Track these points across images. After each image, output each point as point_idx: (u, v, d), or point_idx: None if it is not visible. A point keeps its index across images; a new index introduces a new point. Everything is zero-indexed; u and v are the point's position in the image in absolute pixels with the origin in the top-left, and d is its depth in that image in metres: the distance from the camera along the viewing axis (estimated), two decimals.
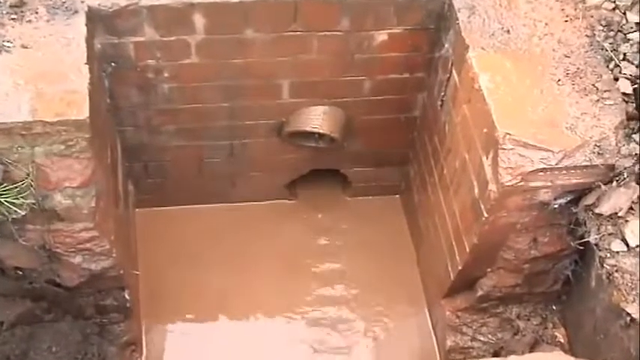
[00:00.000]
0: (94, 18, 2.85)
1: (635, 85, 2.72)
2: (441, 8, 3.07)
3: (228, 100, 3.41)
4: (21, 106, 2.48)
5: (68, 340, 3.16)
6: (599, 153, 2.58)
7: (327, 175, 4.06)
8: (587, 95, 2.71)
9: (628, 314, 2.54)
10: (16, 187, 2.56)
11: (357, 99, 3.49)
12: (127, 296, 3.23)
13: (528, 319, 3.36)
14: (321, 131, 3.51)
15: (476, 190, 2.86)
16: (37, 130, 2.48)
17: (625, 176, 2.58)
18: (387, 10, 3.07)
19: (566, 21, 2.91)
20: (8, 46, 2.64)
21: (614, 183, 2.61)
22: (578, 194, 2.71)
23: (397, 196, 4.19)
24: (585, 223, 2.70)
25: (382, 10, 3.07)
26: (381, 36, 3.18)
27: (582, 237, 2.76)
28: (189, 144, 3.63)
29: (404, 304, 3.82)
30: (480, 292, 3.26)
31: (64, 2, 2.77)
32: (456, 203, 3.15)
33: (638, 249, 2.53)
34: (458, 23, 2.92)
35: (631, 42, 2.83)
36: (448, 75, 3.10)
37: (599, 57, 2.81)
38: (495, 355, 3.41)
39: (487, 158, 2.73)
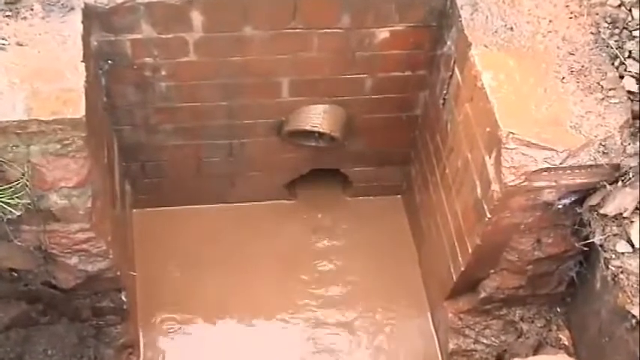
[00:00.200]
0: (90, 15, 2.85)
1: None
2: (443, 5, 3.06)
3: (227, 99, 3.41)
4: (16, 105, 2.47)
5: (64, 343, 3.16)
6: (604, 152, 2.58)
7: (327, 174, 4.06)
8: (591, 93, 2.70)
9: (633, 316, 2.54)
10: (11, 187, 2.56)
11: (358, 97, 3.48)
12: (123, 298, 3.23)
13: (532, 322, 3.36)
14: (321, 130, 3.51)
15: (478, 190, 2.85)
16: (32, 129, 2.48)
17: (630, 176, 2.58)
18: (388, 7, 3.07)
19: (571, 18, 2.91)
20: (3, 44, 2.64)
21: (620, 183, 2.61)
22: (583, 194, 2.71)
23: (398, 196, 4.19)
24: (590, 224, 2.70)
25: (383, 7, 3.07)
26: (383, 33, 3.18)
27: (587, 238, 2.76)
28: (187, 143, 3.63)
29: (405, 306, 3.82)
30: (482, 294, 3.26)
31: None
32: (458, 203, 3.14)
33: None
34: (460, 20, 2.91)
35: (637, 39, 2.82)
36: (450, 73, 3.10)
37: (604, 54, 2.80)
38: (498, 358, 3.41)
39: (490, 158, 2.72)
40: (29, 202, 2.61)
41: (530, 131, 2.59)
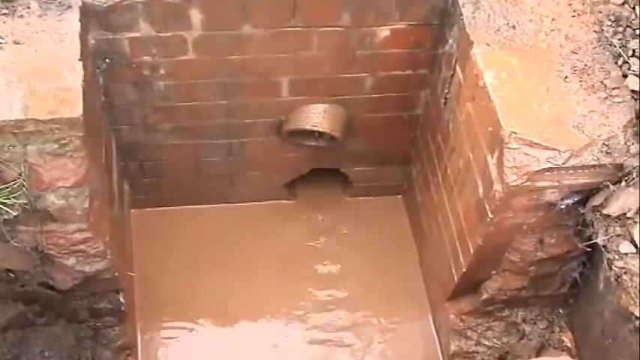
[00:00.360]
0: (88, 13, 2.84)
1: None
2: (445, 3, 3.06)
3: (226, 98, 3.41)
4: (13, 104, 2.47)
5: (61, 344, 3.16)
6: (607, 152, 2.58)
7: (328, 174, 4.06)
8: (595, 93, 2.70)
9: (637, 318, 2.54)
10: (8, 187, 2.56)
11: (359, 96, 3.48)
12: (121, 299, 3.23)
13: (534, 323, 3.36)
14: (321, 130, 3.50)
15: (480, 190, 2.85)
16: (29, 129, 2.47)
17: (634, 176, 2.58)
18: (389, 5, 3.07)
19: (574, 16, 2.91)
20: (0, 43, 2.63)
21: (623, 183, 2.60)
22: (586, 194, 2.71)
23: (399, 196, 4.19)
24: (593, 224, 2.70)
25: (384, 5, 3.07)
26: (383, 32, 3.17)
27: (590, 238, 2.76)
28: (186, 143, 3.63)
29: (406, 308, 3.82)
30: (484, 295, 3.26)
31: None
32: (459, 204, 3.14)
33: None
34: (462, 19, 2.91)
35: None
36: (452, 72, 3.10)
37: (607, 53, 2.80)
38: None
39: (492, 157, 2.72)
40: (26, 202, 2.61)
41: (532, 131, 2.59)
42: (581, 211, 2.75)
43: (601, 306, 2.92)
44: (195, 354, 3.62)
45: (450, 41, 3.09)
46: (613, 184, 2.61)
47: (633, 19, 2.86)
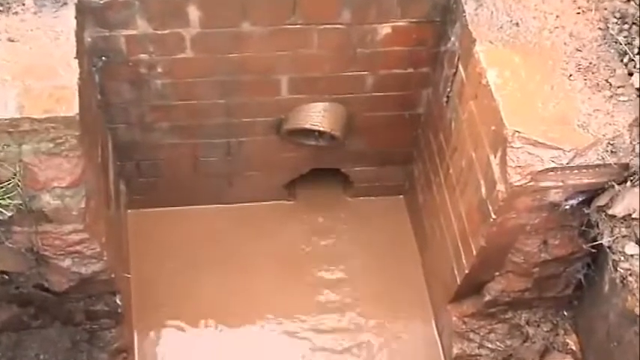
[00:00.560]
0: (83, 10, 2.84)
1: None
2: (447, 0, 3.06)
3: (225, 97, 3.41)
4: (7, 103, 2.47)
5: (57, 348, 3.15)
6: (612, 151, 2.57)
7: (328, 174, 4.05)
8: (599, 91, 2.70)
9: None
10: (2, 188, 2.56)
11: (359, 95, 3.48)
12: (118, 301, 3.22)
13: (538, 326, 3.36)
14: (321, 129, 3.50)
15: (483, 191, 2.85)
16: (24, 128, 2.47)
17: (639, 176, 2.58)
18: (390, 2, 3.06)
19: (579, 13, 2.91)
20: None
21: (628, 183, 2.60)
22: (591, 195, 2.71)
23: (401, 196, 4.19)
24: (598, 225, 2.70)
25: (385, 2, 3.06)
26: (385, 29, 3.17)
27: (595, 239, 2.76)
28: (183, 142, 3.62)
29: (408, 310, 3.82)
30: (487, 297, 3.26)
31: None
32: (462, 204, 3.14)
33: None
34: (464, 16, 2.91)
35: None
36: (454, 70, 3.10)
37: (612, 51, 2.80)
38: None
39: (495, 157, 2.72)
40: (21, 202, 2.60)
41: (536, 130, 2.58)
42: (586, 211, 2.75)
43: (606, 308, 2.92)
44: (193, 356, 3.62)
45: (453, 39, 3.09)
46: (618, 184, 2.61)
47: (639, 16, 2.86)
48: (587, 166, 2.58)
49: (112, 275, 3.06)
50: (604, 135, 2.59)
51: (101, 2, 2.86)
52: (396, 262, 3.94)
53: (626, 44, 2.80)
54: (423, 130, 3.68)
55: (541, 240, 2.94)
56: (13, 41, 2.64)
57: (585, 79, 2.73)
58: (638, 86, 2.70)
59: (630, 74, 2.74)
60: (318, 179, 4.06)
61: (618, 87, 2.70)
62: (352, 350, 3.70)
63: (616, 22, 2.85)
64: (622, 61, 2.77)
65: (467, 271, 3.15)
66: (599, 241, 2.69)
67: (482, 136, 2.83)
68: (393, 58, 3.32)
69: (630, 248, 2.56)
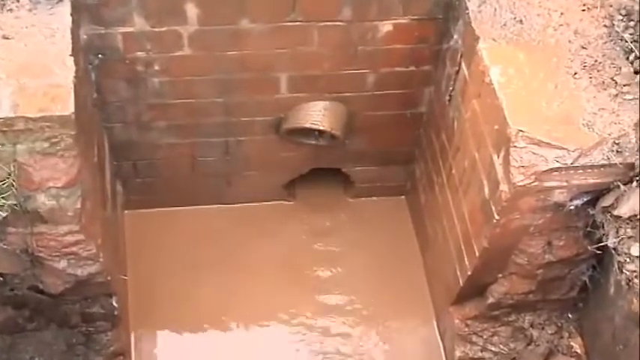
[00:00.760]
0: (79, 7, 2.84)
1: None
2: None
3: (223, 95, 3.41)
4: (2, 101, 2.46)
5: (52, 351, 3.15)
6: (617, 151, 2.57)
7: (328, 174, 4.05)
8: (605, 89, 2.69)
9: None
10: None
11: (360, 94, 3.48)
12: (114, 303, 3.22)
13: (542, 328, 3.36)
14: (321, 128, 3.50)
15: (486, 191, 2.85)
16: (19, 127, 2.47)
17: None
18: None
19: (584, 10, 2.90)
20: None
21: (634, 183, 2.60)
22: (596, 195, 2.70)
23: (402, 196, 4.19)
24: (603, 226, 2.69)
25: None
26: (386, 26, 3.17)
27: (600, 240, 2.75)
28: (181, 141, 3.62)
29: (409, 312, 3.82)
30: (490, 299, 3.26)
31: None
32: (465, 204, 3.14)
33: None
34: (467, 13, 2.91)
35: None
36: (457, 68, 3.10)
37: (618, 48, 2.80)
38: None
39: (498, 157, 2.72)
40: (15, 203, 2.60)
41: (540, 129, 2.58)
42: (591, 212, 2.75)
43: (612, 311, 2.92)
44: (191, 359, 3.62)
45: (455, 36, 3.09)
46: (624, 185, 2.61)
47: None
48: (592, 166, 2.58)
49: (109, 277, 3.06)
50: (609, 134, 2.59)
51: None
52: (397, 263, 3.94)
53: (632, 42, 2.80)
54: (425, 130, 3.68)
55: (545, 241, 2.93)
56: (7, 39, 2.64)
57: (590, 78, 2.73)
58: None
59: (636, 72, 2.74)
60: (318, 179, 4.06)
61: (624, 85, 2.69)
62: (353, 353, 3.69)
63: (622, 19, 2.85)
64: (628, 58, 2.77)
65: (469, 273, 3.15)
66: (605, 243, 2.69)
67: (486, 136, 2.82)
68: (395, 56, 3.31)
69: (636, 249, 2.56)
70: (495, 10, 2.90)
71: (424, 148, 3.72)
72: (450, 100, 3.24)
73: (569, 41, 2.82)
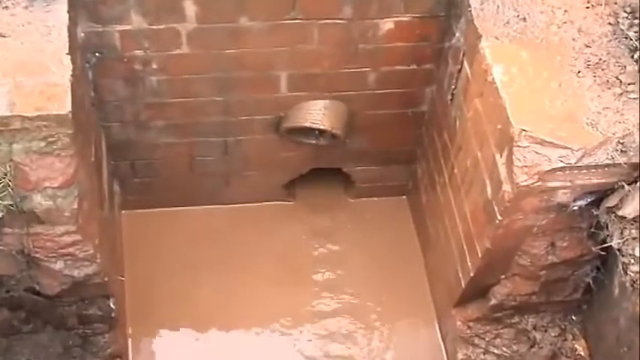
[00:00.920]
0: (76, 4, 2.84)
1: None
2: None
3: (222, 94, 3.41)
4: None
5: (48, 353, 3.15)
6: (622, 151, 2.57)
7: (328, 174, 4.05)
8: (609, 88, 2.69)
9: None
10: None
11: (361, 92, 3.48)
12: (112, 305, 3.22)
13: (546, 330, 3.36)
14: (321, 127, 3.50)
15: (489, 191, 2.85)
16: (15, 126, 2.47)
17: None
18: None
19: (588, 8, 2.90)
20: None
21: (639, 183, 2.59)
22: (600, 195, 2.70)
23: (404, 196, 4.19)
24: (607, 227, 2.70)
25: None
26: (387, 24, 3.17)
27: (604, 241, 2.76)
28: (179, 141, 3.62)
29: (411, 314, 3.82)
30: (493, 301, 3.26)
31: None
32: (467, 205, 3.14)
33: None
34: (470, 10, 2.91)
35: None
36: (459, 66, 3.10)
37: (622, 47, 2.80)
38: None
39: (501, 156, 2.72)
40: (11, 203, 2.60)
41: (543, 128, 2.58)
42: (595, 212, 2.75)
43: (616, 312, 2.92)
44: None
45: (457, 34, 3.09)
46: (628, 185, 2.61)
47: None
48: (596, 166, 2.58)
49: (106, 278, 3.06)
50: (614, 133, 2.59)
51: None
52: (398, 264, 3.94)
53: (636, 40, 2.79)
54: (427, 129, 3.67)
55: (548, 242, 2.93)
56: (3, 36, 2.64)
57: (594, 76, 2.72)
58: None
59: None
60: (319, 179, 4.06)
61: (629, 84, 2.69)
62: (353, 354, 3.69)
63: (626, 17, 2.85)
64: (633, 57, 2.77)
65: (472, 274, 3.15)
66: (609, 243, 2.69)
67: (488, 135, 2.82)
68: (396, 55, 3.31)
69: None
70: (498, 7, 2.90)
71: (426, 148, 3.72)
72: (452, 99, 3.24)
73: (573, 39, 2.82)
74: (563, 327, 3.36)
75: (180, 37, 3.10)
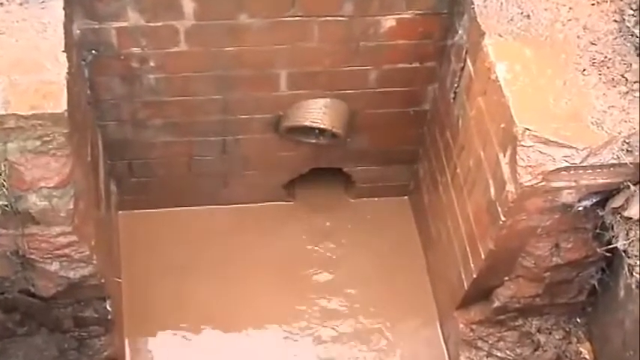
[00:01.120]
0: (72, 1, 2.84)
1: None
2: None
3: (221, 92, 3.41)
4: None
5: (43, 356, 3.15)
6: (628, 150, 2.57)
7: (329, 174, 4.05)
8: (615, 87, 2.69)
9: None
10: None
11: (362, 91, 3.48)
12: (108, 307, 3.22)
13: (550, 333, 3.36)
14: (322, 126, 3.50)
15: (492, 191, 2.85)
16: (9, 125, 2.47)
17: None
18: None
19: (593, 4, 2.90)
20: None
21: None
22: (605, 195, 2.70)
23: (405, 197, 4.19)
24: (613, 228, 2.70)
25: None
26: (389, 22, 3.17)
27: (609, 243, 2.76)
28: (177, 140, 3.62)
29: (413, 316, 3.82)
30: (496, 303, 3.26)
31: None
32: (470, 205, 3.14)
33: None
34: (473, 7, 2.91)
35: None
36: (462, 64, 3.09)
37: (628, 44, 2.80)
38: None
39: (504, 156, 2.72)
40: (6, 203, 2.60)
41: (548, 127, 2.58)
42: (600, 213, 2.75)
43: (621, 315, 2.92)
44: None
45: (460, 32, 3.09)
46: (634, 185, 2.61)
47: None
48: (601, 166, 2.57)
49: (102, 280, 3.06)
50: (619, 133, 2.58)
51: None
52: (400, 266, 3.94)
53: None
54: (429, 128, 3.67)
55: (553, 243, 2.93)
56: None
57: (600, 74, 2.72)
58: None
59: None
60: (319, 179, 4.06)
61: (634, 82, 2.69)
62: (354, 356, 3.69)
63: (632, 14, 2.84)
64: (639, 54, 2.77)
65: (475, 276, 3.15)
66: (614, 245, 2.69)
67: (491, 134, 2.82)
68: (398, 52, 3.31)
69: None
70: (501, 4, 2.89)
71: (428, 147, 3.72)
72: (454, 98, 3.24)
73: (578, 37, 2.82)
74: (567, 330, 3.36)
75: (178, 35, 3.10)
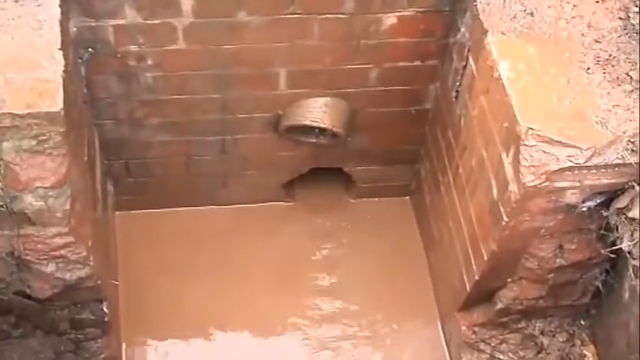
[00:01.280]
0: None
1: None
2: None
3: (219, 91, 3.40)
4: None
5: (39, 358, 3.15)
6: (632, 150, 2.57)
7: (329, 174, 4.05)
8: (619, 85, 2.69)
9: None
10: None
11: (363, 90, 3.48)
12: (105, 309, 3.22)
13: (553, 336, 3.36)
14: (322, 125, 3.50)
15: (495, 191, 2.84)
16: (4, 124, 2.46)
17: None
18: None
19: (597, 2, 2.90)
20: None
21: None
22: (610, 196, 2.70)
23: (406, 197, 4.19)
24: (617, 229, 2.69)
25: None
26: (390, 19, 3.17)
27: (614, 244, 2.75)
28: (175, 139, 3.62)
29: (414, 318, 3.82)
30: (499, 305, 3.26)
31: None
32: (472, 206, 3.13)
33: None
34: (475, 5, 2.91)
35: None
36: (464, 63, 3.09)
37: (633, 42, 2.79)
38: None
39: (507, 156, 2.71)
40: (1, 203, 2.60)
41: (551, 127, 2.58)
42: (605, 214, 2.74)
43: (626, 317, 2.92)
44: None
45: (462, 29, 3.09)
46: (639, 185, 2.60)
47: None
48: (605, 166, 2.57)
49: (99, 281, 3.06)
50: (624, 132, 2.58)
51: None
52: (401, 267, 3.94)
53: None
54: (431, 127, 3.67)
55: (556, 244, 2.93)
56: None
57: (604, 73, 2.72)
58: None
59: None
60: (319, 179, 4.06)
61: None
62: (354, 358, 3.68)
63: (637, 12, 2.84)
64: None
65: (477, 278, 3.14)
66: (619, 246, 2.69)
67: (494, 134, 2.82)
68: (399, 50, 3.31)
69: None
70: (504, 1, 2.89)
71: (429, 147, 3.72)
72: (456, 97, 3.24)
73: (582, 34, 2.82)
74: (571, 332, 3.36)
75: (176, 32, 3.10)
